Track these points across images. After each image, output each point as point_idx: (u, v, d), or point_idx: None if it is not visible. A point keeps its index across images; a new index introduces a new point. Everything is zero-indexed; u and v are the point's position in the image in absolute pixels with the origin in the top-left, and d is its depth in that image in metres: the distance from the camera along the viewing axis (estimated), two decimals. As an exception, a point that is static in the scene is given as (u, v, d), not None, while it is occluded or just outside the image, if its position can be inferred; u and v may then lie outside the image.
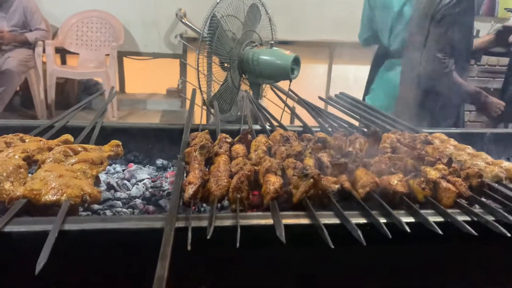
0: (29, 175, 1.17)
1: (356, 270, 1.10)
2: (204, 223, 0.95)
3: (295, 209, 1.08)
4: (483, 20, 5.83)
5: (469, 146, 1.48)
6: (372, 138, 1.37)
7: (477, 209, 1.11)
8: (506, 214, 1.05)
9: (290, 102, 2.90)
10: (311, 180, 1.09)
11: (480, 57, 4.44)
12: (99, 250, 0.95)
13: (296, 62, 3.06)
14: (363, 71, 3.73)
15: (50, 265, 0.80)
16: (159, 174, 1.55)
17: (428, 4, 2.43)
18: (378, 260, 1.10)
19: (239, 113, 4.40)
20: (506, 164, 1.33)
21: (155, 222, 0.95)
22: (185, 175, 1.18)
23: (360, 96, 3.51)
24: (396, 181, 1.15)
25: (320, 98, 2.33)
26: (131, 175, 1.47)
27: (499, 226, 0.99)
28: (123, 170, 1.53)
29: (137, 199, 1.32)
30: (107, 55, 6.00)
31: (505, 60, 4.78)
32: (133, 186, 1.41)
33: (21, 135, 1.34)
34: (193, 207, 1.05)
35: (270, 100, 3.61)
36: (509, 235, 0.97)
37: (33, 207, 1.03)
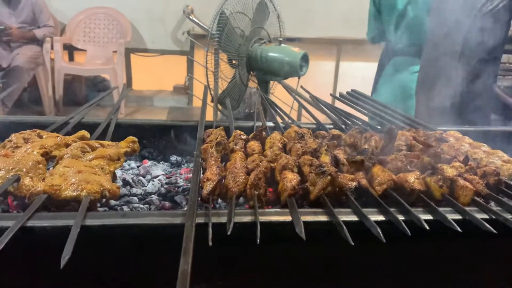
0: (47, 170, 1.18)
1: (375, 267, 1.10)
2: (223, 219, 0.95)
3: (312, 206, 1.09)
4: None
5: (484, 144, 1.47)
6: (388, 135, 1.37)
7: (494, 207, 1.10)
8: (525, 212, 1.05)
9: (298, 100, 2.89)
10: (329, 177, 1.09)
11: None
12: (120, 245, 0.96)
13: (305, 59, 3.06)
14: (371, 68, 3.72)
15: (72, 259, 0.81)
16: (173, 171, 1.56)
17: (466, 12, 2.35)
18: (397, 257, 1.10)
19: (247, 110, 4.41)
20: (522, 162, 1.33)
21: (175, 218, 0.95)
22: (201, 171, 1.19)
23: (367, 94, 3.50)
24: (413, 179, 1.15)
25: (332, 95, 2.33)
26: (146, 171, 1.48)
27: (518, 225, 0.99)
28: (138, 167, 1.54)
29: (153, 195, 1.33)
30: (115, 51, 6.02)
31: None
32: (148, 182, 1.42)
33: (38, 131, 1.35)
34: (212, 206, 1.05)
35: (277, 98, 3.61)
36: (529, 233, 0.97)
37: (52, 203, 1.04)
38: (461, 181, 1.15)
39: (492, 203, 1.17)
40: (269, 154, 1.30)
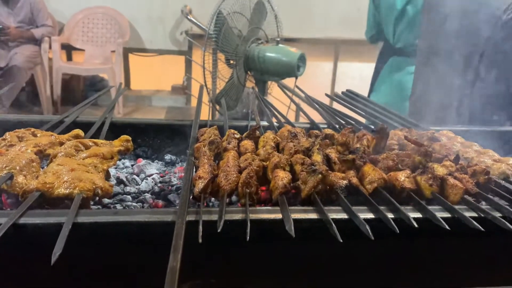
0: (41, 169, 1.19)
1: (365, 264, 1.11)
2: (214, 217, 0.96)
3: (303, 205, 1.10)
4: None
5: (476, 143, 1.48)
6: (380, 134, 1.38)
7: (484, 205, 1.12)
8: (512, 211, 1.06)
9: (295, 100, 2.91)
10: (320, 175, 1.10)
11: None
12: (111, 242, 0.97)
13: (302, 59, 3.07)
14: (369, 68, 3.74)
15: (64, 257, 0.82)
16: (167, 169, 1.57)
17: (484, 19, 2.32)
18: (386, 255, 1.11)
19: (244, 110, 4.43)
20: (513, 161, 1.34)
21: (166, 216, 0.96)
22: (194, 170, 1.20)
23: (365, 94, 3.51)
24: (403, 177, 1.16)
25: (327, 95, 2.34)
26: (140, 170, 1.49)
27: (506, 222, 1.00)
28: (132, 165, 1.55)
29: (146, 194, 1.34)
30: (113, 51, 6.03)
31: None
32: (142, 181, 1.42)
33: (32, 129, 1.36)
34: (204, 204, 1.06)
35: (275, 98, 3.63)
36: (516, 231, 0.98)
37: (45, 201, 1.05)
38: (451, 180, 1.16)
39: (483, 202, 1.18)
40: (261, 153, 1.31)
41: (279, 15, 3.35)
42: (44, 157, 1.25)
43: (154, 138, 1.66)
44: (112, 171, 1.44)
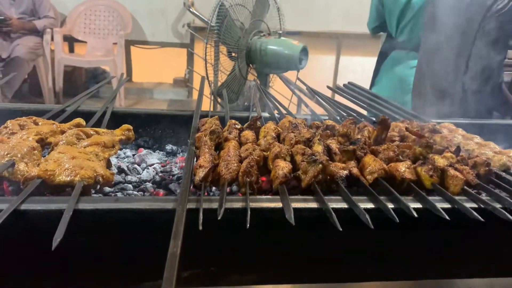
0: (43, 157, 1.19)
1: (364, 253, 1.12)
2: (215, 205, 0.97)
3: (303, 194, 1.10)
4: None
5: (477, 136, 1.48)
6: (381, 126, 1.38)
7: (484, 197, 1.12)
8: (513, 202, 1.06)
9: (297, 93, 2.90)
10: (320, 165, 1.10)
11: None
12: (112, 229, 0.97)
13: (304, 52, 3.07)
14: (371, 62, 3.72)
15: (64, 243, 0.82)
16: (168, 159, 1.57)
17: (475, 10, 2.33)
18: (385, 245, 1.11)
19: (246, 103, 4.42)
20: (514, 153, 1.34)
21: (167, 203, 0.97)
22: (195, 159, 1.20)
23: (366, 88, 3.50)
24: (404, 168, 1.16)
25: (328, 87, 2.34)
26: (141, 159, 1.49)
27: (507, 213, 1.00)
28: (133, 155, 1.55)
29: (147, 183, 1.34)
30: (115, 43, 6.01)
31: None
32: (143, 170, 1.43)
33: (34, 118, 1.36)
34: (206, 193, 1.06)
35: (276, 91, 3.62)
36: (516, 222, 0.98)
37: (46, 188, 1.05)
38: (452, 171, 1.16)
39: (483, 194, 1.19)
40: (262, 143, 1.31)
41: (282, 8, 3.34)
42: (45, 145, 1.25)
43: (155, 128, 1.66)
44: (113, 160, 1.44)
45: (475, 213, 0.99)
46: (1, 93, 5.22)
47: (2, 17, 5.36)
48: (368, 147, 1.29)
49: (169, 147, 1.64)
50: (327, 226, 0.94)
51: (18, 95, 5.70)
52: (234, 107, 3.45)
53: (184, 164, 1.38)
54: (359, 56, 6.02)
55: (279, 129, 1.41)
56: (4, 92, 5.35)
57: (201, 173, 1.06)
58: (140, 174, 1.41)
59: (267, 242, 1.06)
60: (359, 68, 5.54)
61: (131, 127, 1.37)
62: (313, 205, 1.02)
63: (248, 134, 1.35)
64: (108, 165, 1.35)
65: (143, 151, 1.55)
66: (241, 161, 1.16)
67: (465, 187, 1.13)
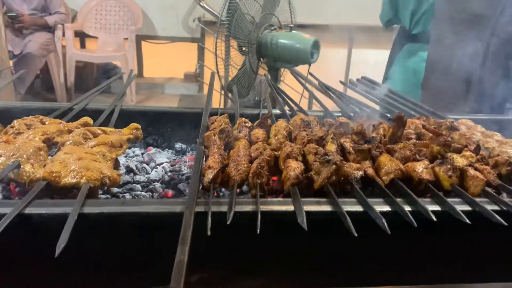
0: (50, 157, 1.17)
1: (380, 258, 1.07)
2: (224, 208, 0.93)
3: (316, 196, 1.06)
4: None
5: (497, 133, 1.43)
6: (397, 123, 1.33)
7: (506, 198, 1.07)
8: (538, 204, 1.01)
9: (308, 87, 2.85)
10: (334, 166, 1.06)
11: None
12: (118, 233, 0.94)
13: (316, 46, 3.01)
14: (384, 55, 3.66)
15: (70, 248, 0.80)
16: (178, 158, 1.54)
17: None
18: (402, 249, 1.07)
19: (257, 98, 4.37)
20: (536, 152, 1.28)
21: (175, 206, 0.93)
22: (204, 159, 1.17)
23: (379, 82, 3.46)
24: (421, 168, 1.11)
25: (341, 82, 2.29)
26: (150, 158, 1.46)
27: (529, 217, 0.95)
28: (142, 154, 1.52)
29: (156, 183, 1.31)
30: (126, 38, 6.00)
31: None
32: (152, 169, 1.40)
33: (41, 117, 1.34)
34: (215, 193, 1.03)
35: (288, 85, 3.57)
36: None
37: (52, 190, 1.03)
38: (472, 171, 1.11)
39: (504, 194, 1.14)
40: (273, 142, 1.27)
41: (293, 1, 3.28)
42: (52, 145, 1.23)
43: (164, 126, 1.62)
44: (122, 159, 1.42)
45: (497, 217, 0.94)
46: (14, 89, 5.23)
47: (14, 14, 5.38)
48: (384, 146, 1.25)
49: (178, 145, 1.61)
50: (341, 229, 0.90)
51: (30, 91, 5.73)
52: (244, 102, 3.41)
53: (193, 163, 1.35)
54: (371, 49, 5.92)
55: (290, 127, 1.37)
56: (17, 88, 5.38)
57: (210, 175, 1.02)
58: (149, 173, 1.38)
59: (278, 246, 1.02)
60: (372, 61, 5.45)
61: (139, 126, 1.34)
62: (327, 208, 0.98)
63: (259, 132, 1.31)
64: (116, 165, 1.33)
65: (152, 150, 1.52)
66: (251, 161, 1.12)
67: (486, 188, 1.08)
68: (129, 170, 1.37)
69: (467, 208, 1.02)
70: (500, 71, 2.36)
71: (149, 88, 6.60)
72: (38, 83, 6.16)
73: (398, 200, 1.01)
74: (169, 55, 6.62)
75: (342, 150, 1.21)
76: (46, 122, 1.32)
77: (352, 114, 1.63)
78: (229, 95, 3.31)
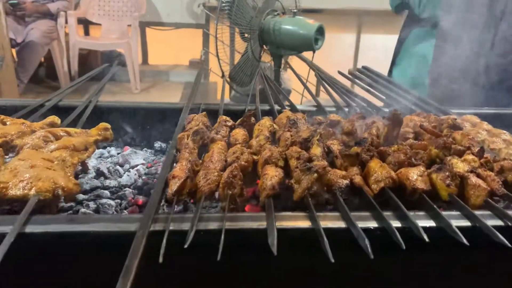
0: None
1: (363, 282, 0.95)
2: (186, 226, 0.82)
3: (296, 208, 0.94)
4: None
5: (505, 131, 1.28)
6: (392, 122, 1.20)
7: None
8: (547, 219, 0.88)
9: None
10: (315, 174, 0.94)
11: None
12: (64, 255, 0.83)
13: (320, 31, 2.86)
14: (393, 40, 3.51)
15: (6, 273, 0.69)
16: (156, 159, 1.43)
17: None
18: (392, 270, 0.95)
19: (260, 86, 4.24)
20: (548, 154, 1.14)
21: (130, 225, 0.82)
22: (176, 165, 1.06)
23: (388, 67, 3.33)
24: (415, 176, 0.98)
25: (340, 72, 2.15)
26: (125, 160, 1.34)
27: (537, 235, 0.82)
28: (119, 154, 1.41)
29: (127, 188, 1.20)
30: (130, 25, 5.88)
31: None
32: (125, 172, 1.29)
33: (2, 117, 1.23)
34: (175, 207, 0.92)
35: (296, 73, 3.42)
36: (550, 247, 0.80)
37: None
38: (473, 179, 0.98)
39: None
40: (254, 144, 1.15)
41: (298, -16, 3.13)
42: (11, 148, 1.12)
43: (143, 123, 1.51)
44: (93, 161, 1.31)
45: (500, 236, 0.81)
46: (17, 77, 5.17)
47: (16, 1, 5.29)
48: (376, 148, 1.12)
49: (158, 144, 1.49)
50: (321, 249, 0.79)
51: (34, 79, 5.66)
52: (247, 90, 3.28)
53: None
54: (381, 34, 5.72)
55: (275, 126, 1.25)
56: (20, 77, 5.32)
57: (174, 186, 0.91)
58: (122, 177, 1.26)
59: (249, 271, 0.90)
60: (380, 46, 5.27)
61: (108, 126, 1.23)
62: (304, 224, 0.86)
63: (239, 133, 1.19)
64: (84, 168, 1.23)
65: (127, 150, 1.41)
66: (226, 168, 1.00)
67: (489, 199, 0.95)
68: (99, 174, 1.25)
69: (466, 223, 0.89)
70: (510, 57, 2.23)
71: (153, 75, 6.49)
72: (42, 71, 6.08)
73: (387, 214, 0.89)
74: (174, 42, 6.49)
75: (328, 154, 1.09)
76: (8, 122, 1.21)
77: (347, 110, 1.50)
78: (230, 83, 3.19)
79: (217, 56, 3.33)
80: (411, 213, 0.90)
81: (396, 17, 3.63)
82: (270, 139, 1.17)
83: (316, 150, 1.08)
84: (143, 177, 1.27)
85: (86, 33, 6.43)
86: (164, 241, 0.75)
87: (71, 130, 1.18)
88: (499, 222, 0.90)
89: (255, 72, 3.44)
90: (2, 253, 0.72)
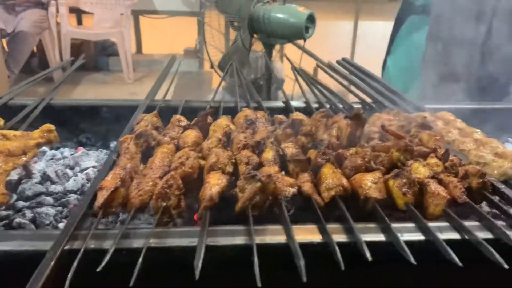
0: None
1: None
2: (108, 244, 0.75)
3: (237, 221, 0.87)
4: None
5: (478, 130, 1.20)
6: (355, 121, 1.12)
7: (471, 221, 0.86)
8: (508, 232, 0.80)
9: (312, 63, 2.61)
10: (258, 183, 0.86)
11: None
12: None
13: (311, 19, 2.77)
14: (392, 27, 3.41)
15: None
16: (111, 160, 1.35)
17: None
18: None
19: (252, 76, 4.17)
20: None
21: (46, 243, 0.75)
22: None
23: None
24: (369, 183, 0.91)
25: (318, 65, 2.06)
26: (75, 162, 1.27)
27: (494, 252, 0.74)
28: (72, 155, 1.33)
29: (72, 194, 1.13)
30: (123, 14, 5.78)
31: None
32: (72, 176, 1.21)
33: None
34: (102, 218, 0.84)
35: (292, 62, 3.32)
36: (506, 266, 0.72)
37: None
38: (432, 186, 0.90)
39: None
40: (204, 147, 1.07)
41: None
42: None
43: (99, 122, 1.43)
44: (41, 164, 1.23)
45: (453, 255, 0.74)
46: (7, 68, 5.10)
47: (6, -11, 5.20)
48: (335, 150, 1.04)
49: (113, 144, 1.41)
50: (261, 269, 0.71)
51: (27, 69, 5.58)
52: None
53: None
54: (379, 21, 5.59)
55: (231, 126, 1.17)
56: (11, 67, 5.25)
57: (100, 198, 0.83)
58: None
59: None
60: (379, 33, 5.15)
61: (52, 128, 1.15)
62: (239, 240, 0.79)
63: (189, 135, 1.11)
64: (27, 173, 1.16)
65: (79, 152, 1.33)
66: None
67: (447, 209, 0.87)
68: (45, 178, 1.18)
69: (419, 237, 0.82)
70: (503, 48, 2.15)
71: (148, 65, 6.40)
72: (35, 61, 6.00)
73: (333, 226, 0.82)
74: (168, 30, 6.39)
75: (280, 158, 1.01)
76: None
77: (315, 107, 1.42)
78: (219, 72, 3.12)
79: (205, 46, 3.26)
80: (360, 226, 0.83)
81: (395, 4, 3.53)
82: (223, 141, 1.09)
83: (268, 154, 1.01)
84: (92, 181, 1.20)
85: (79, 22, 6.33)
86: (75, 263, 0.68)
87: (9, 133, 1.10)
88: (456, 235, 0.82)
89: (246, 61, 3.37)
90: None
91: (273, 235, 0.80)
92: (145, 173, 0.93)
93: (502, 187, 0.96)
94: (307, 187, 0.91)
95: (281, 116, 1.25)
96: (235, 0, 2.87)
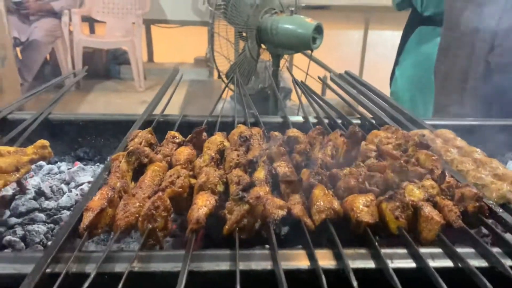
0: None
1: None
2: (90, 267, 0.74)
3: (225, 244, 0.85)
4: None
5: (478, 150, 1.16)
6: (351, 140, 1.10)
7: (465, 248, 0.83)
8: (502, 261, 0.77)
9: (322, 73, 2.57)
10: (246, 206, 0.84)
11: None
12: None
13: (319, 30, 2.78)
14: (401, 36, 3.38)
15: None
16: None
17: None
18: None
19: (260, 85, 4.16)
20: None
21: (27, 266, 0.74)
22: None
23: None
24: (361, 206, 0.88)
25: (320, 78, 2.04)
26: (71, 177, 1.27)
27: (487, 283, 0.71)
28: (69, 169, 1.33)
29: (65, 211, 1.12)
30: (134, 23, 5.84)
31: None
32: (67, 192, 1.20)
33: None
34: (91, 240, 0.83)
35: (301, 70, 3.30)
36: (498, 298, 0.70)
37: None
38: (426, 210, 0.87)
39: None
40: (197, 165, 1.06)
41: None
42: None
43: (96, 136, 1.43)
44: (36, 179, 1.23)
45: (441, 282, 0.71)
46: (21, 76, 5.17)
47: (20, 0, 5.28)
48: (330, 169, 1.02)
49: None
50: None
51: (40, 77, 5.65)
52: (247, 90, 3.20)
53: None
54: (388, 30, 5.55)
55: (226, 143, 1.16)
56: (24, 76, 5.33)
57: (85, 220, 0.82)
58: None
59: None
60: (389, 43, 5.12)
61: (47, 144, 1.14)
62: (224, 266, 0.77)
63: (182, 152, 1.10)
64: (22, 189, 1.15)
65: (76, 166, 1.33)
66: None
67: (442, 234, 0.85)
68: (40, 194, 1.18)
69: (410, 264, 0.79)
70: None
71: (159, 73, 6.44)
72: (48, 69, 6.08)
73: (322, 252, 0.80)
74: (179, 40, 6.43)
75: (272, 178, 0.99)
76: None
77: (313, 123, 1.40)
78: (231, 87, 3.13)
79: (213, 56, 3.27)
80: (349, 251, 0.81)
81: (404, 13, 3.52)
82: (216, 159, 1.08)
83: (260, 174, 0.99)
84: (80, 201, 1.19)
85: (92, 31, 6.41)
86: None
87: (2, 149, 1.10)
88: (448, 263, 0.79)
89: (253, 71, 3.37)
90: None
91: (259, 261, 0.78)
92: (134, 193, 0.91)
93: (499, 211, 0.92)
94: (297, 209, 0.89)
95: (277, 133, 1.23)
96: (243, 11, 2.88)
